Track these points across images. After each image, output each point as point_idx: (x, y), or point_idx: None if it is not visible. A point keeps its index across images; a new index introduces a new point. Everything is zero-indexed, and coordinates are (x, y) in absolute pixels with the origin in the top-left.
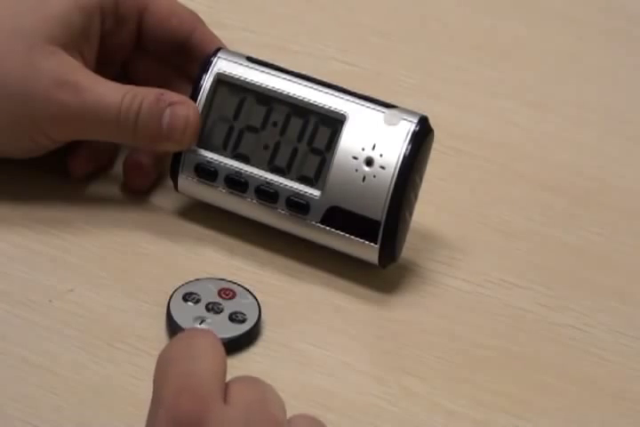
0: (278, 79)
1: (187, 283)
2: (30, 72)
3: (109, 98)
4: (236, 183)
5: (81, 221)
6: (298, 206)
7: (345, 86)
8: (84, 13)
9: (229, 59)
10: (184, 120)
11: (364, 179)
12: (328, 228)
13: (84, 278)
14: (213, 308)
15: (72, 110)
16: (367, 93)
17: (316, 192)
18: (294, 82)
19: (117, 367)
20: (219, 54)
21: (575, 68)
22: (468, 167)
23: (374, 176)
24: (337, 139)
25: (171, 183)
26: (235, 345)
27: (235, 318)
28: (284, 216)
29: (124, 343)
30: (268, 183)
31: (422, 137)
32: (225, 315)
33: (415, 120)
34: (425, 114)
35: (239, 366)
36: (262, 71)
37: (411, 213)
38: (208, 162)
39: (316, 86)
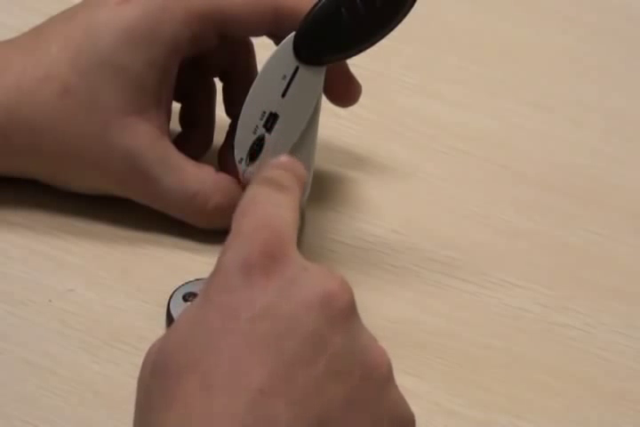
0: None
1: (187, 283)
2: (104, 149)
3: (181, 193)
4: None
5: (81, 221)
6: None
7: None
8: (160, 72)
9: None
10: None
11: None
12: None
13: (84, 278)
14: None
15: (142, 198)
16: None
17: None
18: None
19: (117, 367)
20: None
21: (575, 68)
22: (468, 167)
23: None
24: None
25: None
26: None
27: None
28: None
29: (124, 343)
30: None
31: None
32: None
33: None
34: None
35: None
36: None
37: None
38: None
39: None
